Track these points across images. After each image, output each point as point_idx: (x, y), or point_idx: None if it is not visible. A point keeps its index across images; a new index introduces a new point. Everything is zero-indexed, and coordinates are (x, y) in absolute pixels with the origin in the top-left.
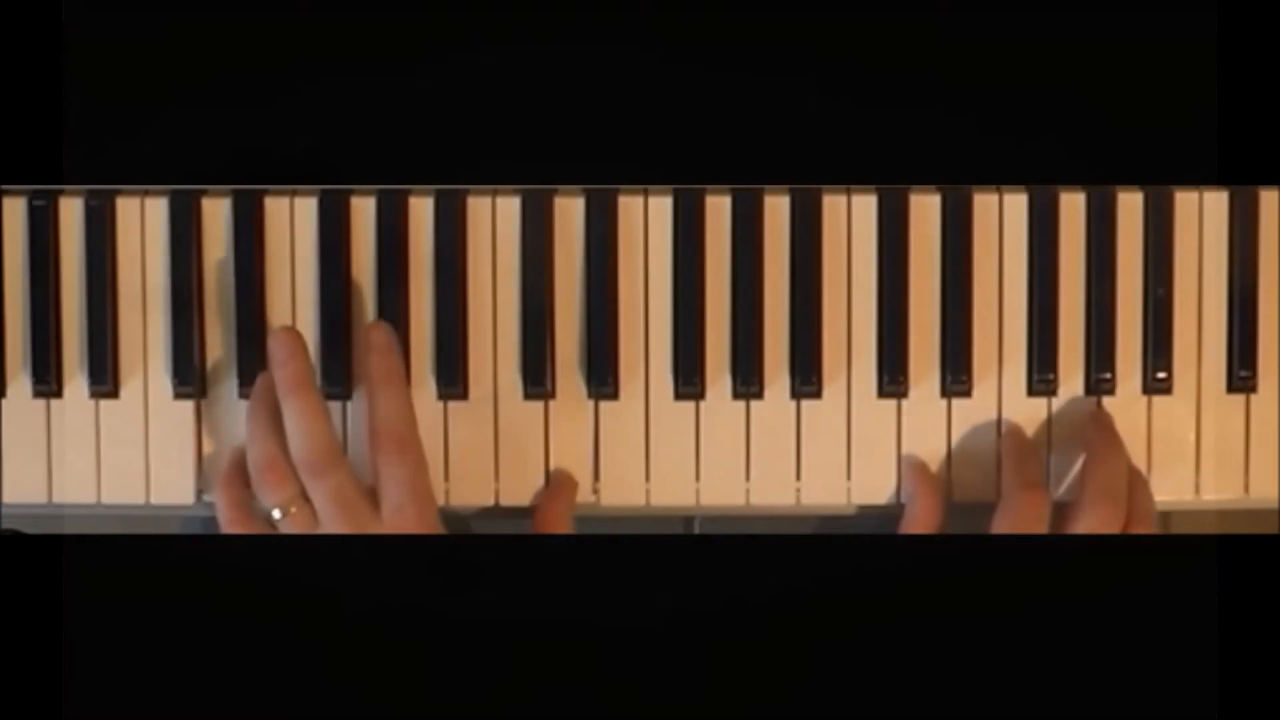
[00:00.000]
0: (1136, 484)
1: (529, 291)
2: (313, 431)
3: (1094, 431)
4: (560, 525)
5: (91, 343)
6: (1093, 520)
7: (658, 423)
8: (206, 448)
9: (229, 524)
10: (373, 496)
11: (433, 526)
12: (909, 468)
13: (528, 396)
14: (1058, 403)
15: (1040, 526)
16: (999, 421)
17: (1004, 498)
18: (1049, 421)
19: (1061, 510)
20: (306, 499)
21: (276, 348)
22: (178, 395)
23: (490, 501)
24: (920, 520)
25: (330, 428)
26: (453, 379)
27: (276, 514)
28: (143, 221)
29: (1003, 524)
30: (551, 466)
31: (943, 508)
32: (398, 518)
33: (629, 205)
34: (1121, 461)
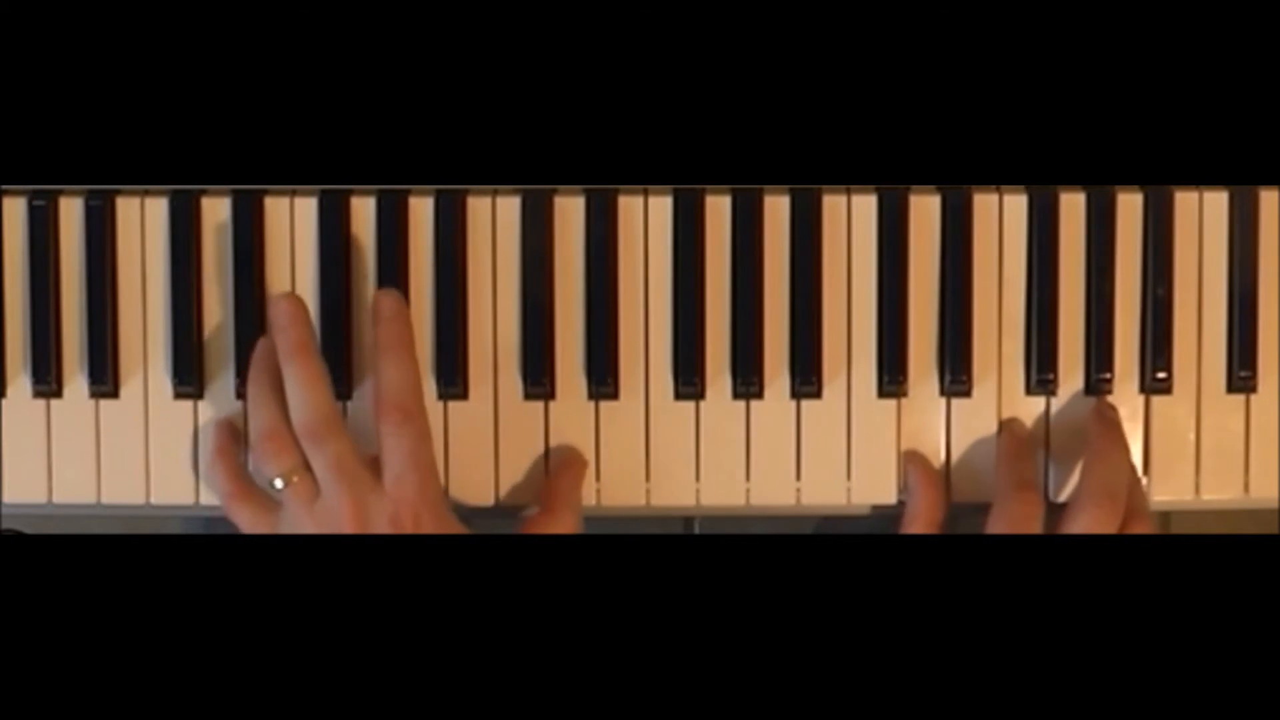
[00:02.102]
0: (1132, 482)
1: (529, 291)
2: (314, 398)
3: (1097, 426)
4: (566, 503)
5: (91, 343)
6: (1090, 517)
7: (658, 423)
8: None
9: (230, 496)
10: (375, 466)
11: (433, 497)
12: (911, 463)
13: (528, 396)
14: (1057, 402)
15: (1034, 527)
16: (999, 421)
17: (997, 498)
18: (1048, 421)
19: (1059, 507)
20: (308, 468)
21: (277, 314)
22: (178, 395)
23: (490, 501)
24: (922, 516)
25: (331, 395)
26: (453, 379)
27: (278, 483)
28: (143, 221)
29: (997, 524)
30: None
31: (945, 504)
32: (399, 487)
33: (629, 205)
34: (1123, 458)
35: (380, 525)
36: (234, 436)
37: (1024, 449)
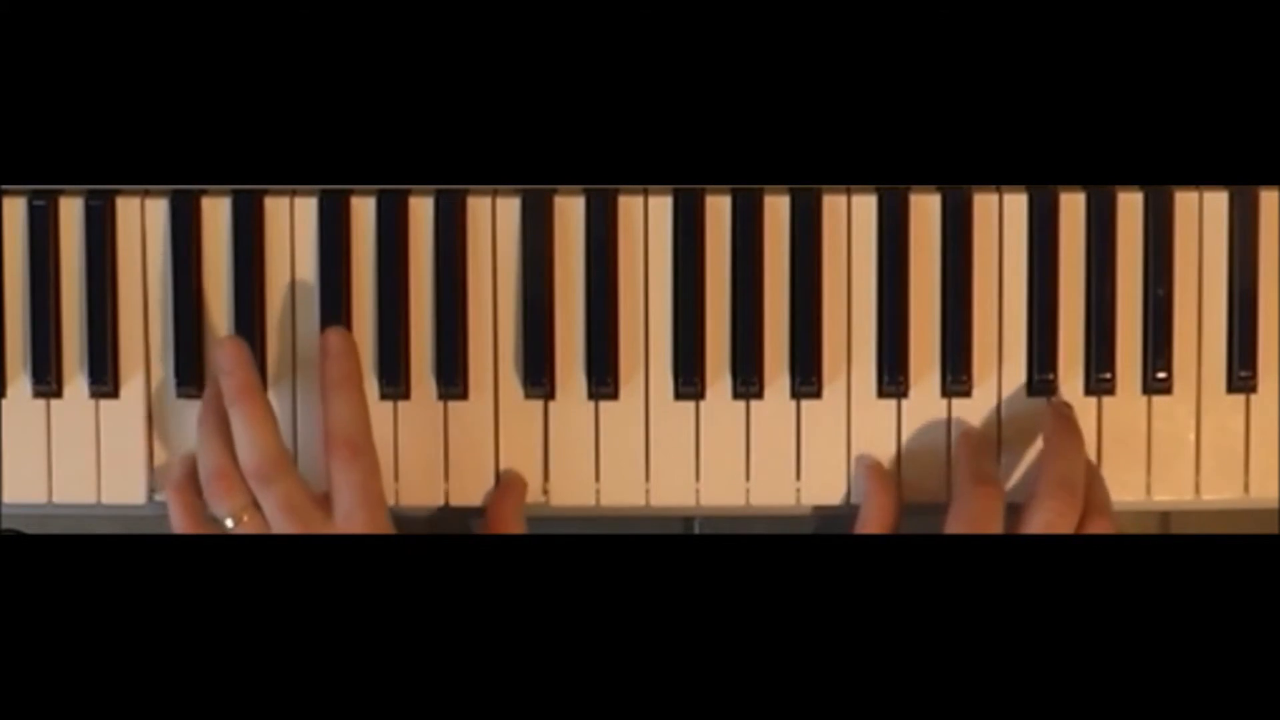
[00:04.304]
0: (1092, 477)
1: (529, 291)
2: (260, 440)
3: (1053, 423)
4: (510, 524)
5: (91, 343)
6: (1049, 511)
7: (658, 423)
8: None
9: (182, 530)
10: (325, 501)
11: (384, 531)
12: (863, 467)
13: (528, 396)
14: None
15: (994, 521)
16: (998, 421)
17: (957, 493)
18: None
19: (1019, 504)
20: (257, 506)
21: (222, 357)
22: (178, 395)
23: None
24: (875, 519)
25: (277, 435)
26: (453, 379)
27: (229, 522)
28: (143, 221)
29: (957, 520)
30: (551, 466)
31: (898, 505)
32: (349, 523)
33: (629, 205)
34: (1079, 454)
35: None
36: (193, 474)
37: (982, 445)
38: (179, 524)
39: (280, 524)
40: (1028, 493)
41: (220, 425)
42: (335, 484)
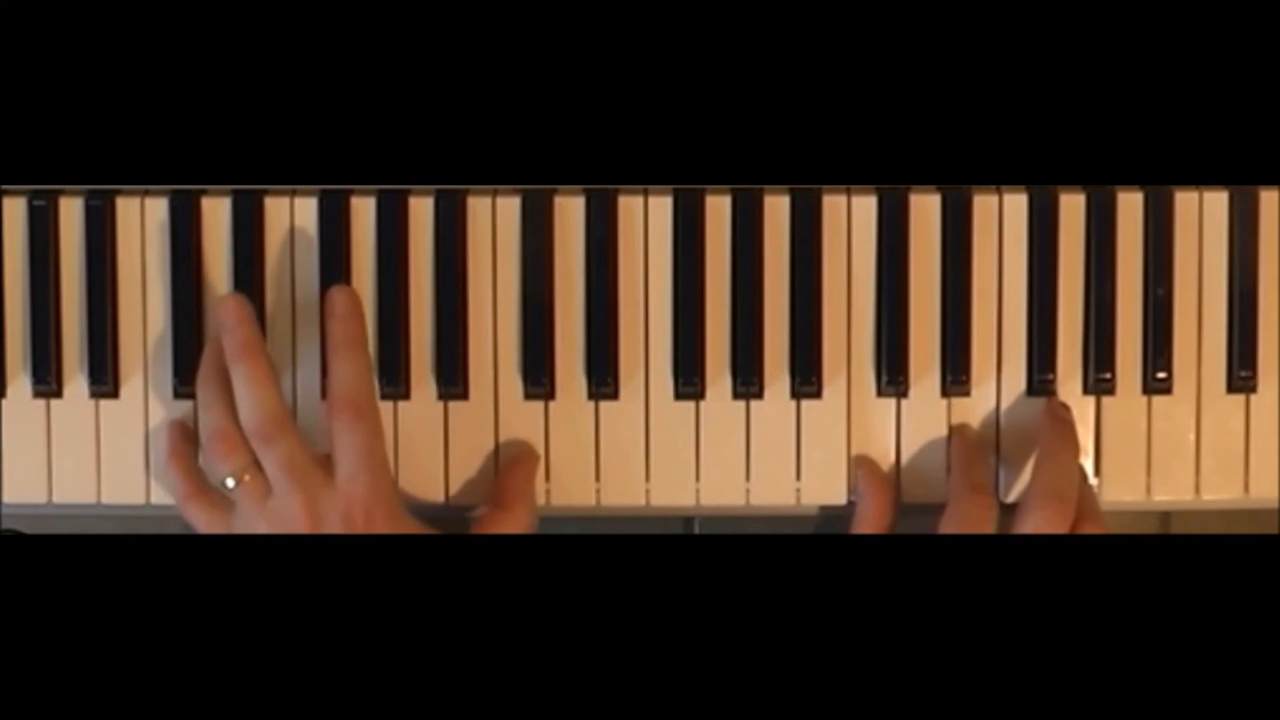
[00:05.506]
0: (1081, 482)
1: (529, 291)
2: (262, 398)
3: (1049, 425)
4: (519, 495)
5: (91, 343)
6: (1040, 518)
7: (658, 423)
8: None
9: (184, 497)
10: (327, 463)
11: (386, 494)
12: (860, 467)
13: (528, 396)
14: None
15: (987, 528)
16: (998, 421)
17: (951, 499)
18: None
19: (1011, 509)
20: (259, 467)
21: (224, 314)
22: (178, 395)
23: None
24: (871, 519)
25: (279, 394)
26: (453, 379)
27: (230, 482)
28: (143, 221)
29: (949, 526)
30: (552, 466)
31: (894, 506)
32: (351, 484)
33: (629, 205)
34: (1073, 460)
35: (332, 523)
36: (187, 437)
37: (976, 452)
38: (179, 490)
39: (282, 484)
40: (1022, 496)
41: (221, 385)
42: (338, 446)
